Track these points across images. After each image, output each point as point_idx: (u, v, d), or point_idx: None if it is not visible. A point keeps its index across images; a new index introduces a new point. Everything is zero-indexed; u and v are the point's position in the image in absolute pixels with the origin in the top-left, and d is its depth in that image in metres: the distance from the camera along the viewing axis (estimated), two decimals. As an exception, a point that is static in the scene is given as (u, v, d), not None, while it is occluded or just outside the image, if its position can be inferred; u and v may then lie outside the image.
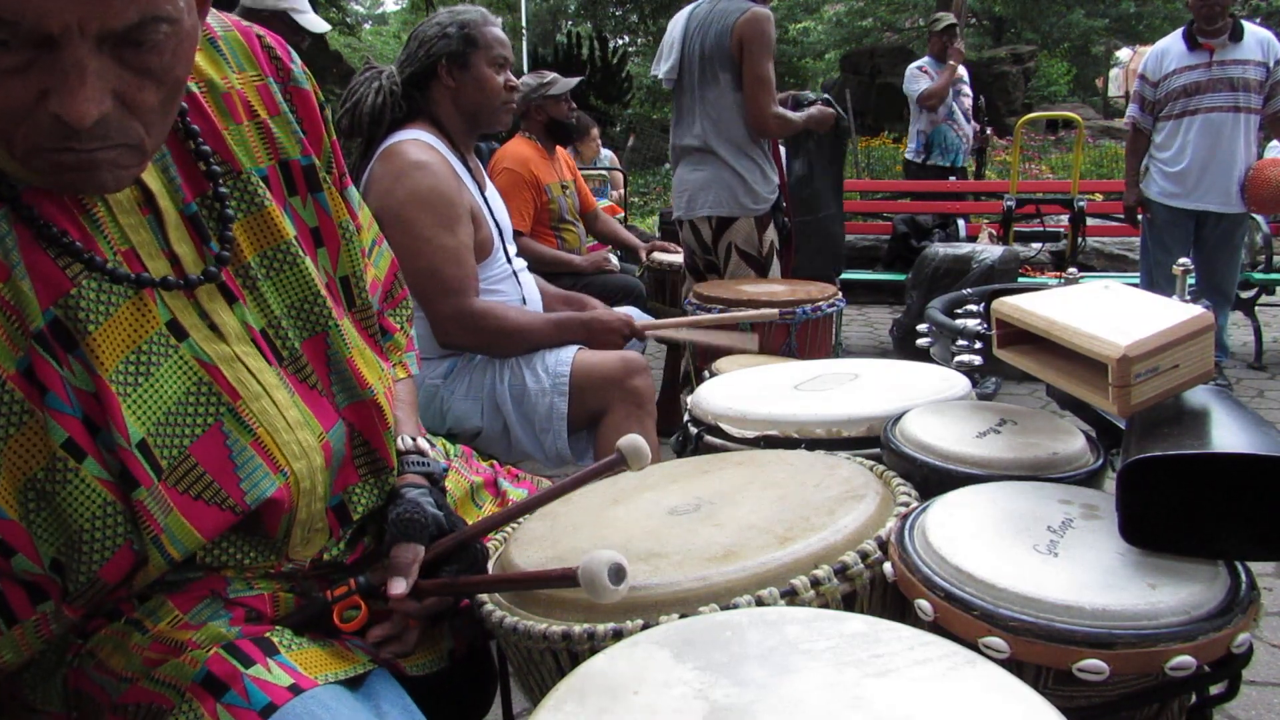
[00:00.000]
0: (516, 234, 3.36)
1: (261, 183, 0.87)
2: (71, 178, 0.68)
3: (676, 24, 3.27)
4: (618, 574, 0.71)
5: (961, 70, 5.98)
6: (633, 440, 0.92)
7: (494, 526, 0.98)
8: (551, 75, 3.77)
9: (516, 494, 1.20)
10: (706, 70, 3.14)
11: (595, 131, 6.11)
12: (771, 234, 3.26)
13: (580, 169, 5.26)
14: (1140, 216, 4.42)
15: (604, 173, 6.29)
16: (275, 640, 0.80)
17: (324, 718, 0.73)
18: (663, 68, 3.30)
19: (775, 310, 2.20)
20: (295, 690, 0.75)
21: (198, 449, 0.79)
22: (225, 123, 0.85)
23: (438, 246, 1.89)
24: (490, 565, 0.98)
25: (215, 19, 0.88)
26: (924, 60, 6.08)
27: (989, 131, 6.29)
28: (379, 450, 0.95)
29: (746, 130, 3.12)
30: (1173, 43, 4.18)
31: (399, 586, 0.86)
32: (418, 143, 1.94)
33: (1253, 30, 4.08)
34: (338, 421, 0.90)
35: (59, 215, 0.74)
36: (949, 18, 6.22)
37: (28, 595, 0.76)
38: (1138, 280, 4.44)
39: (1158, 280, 4.19)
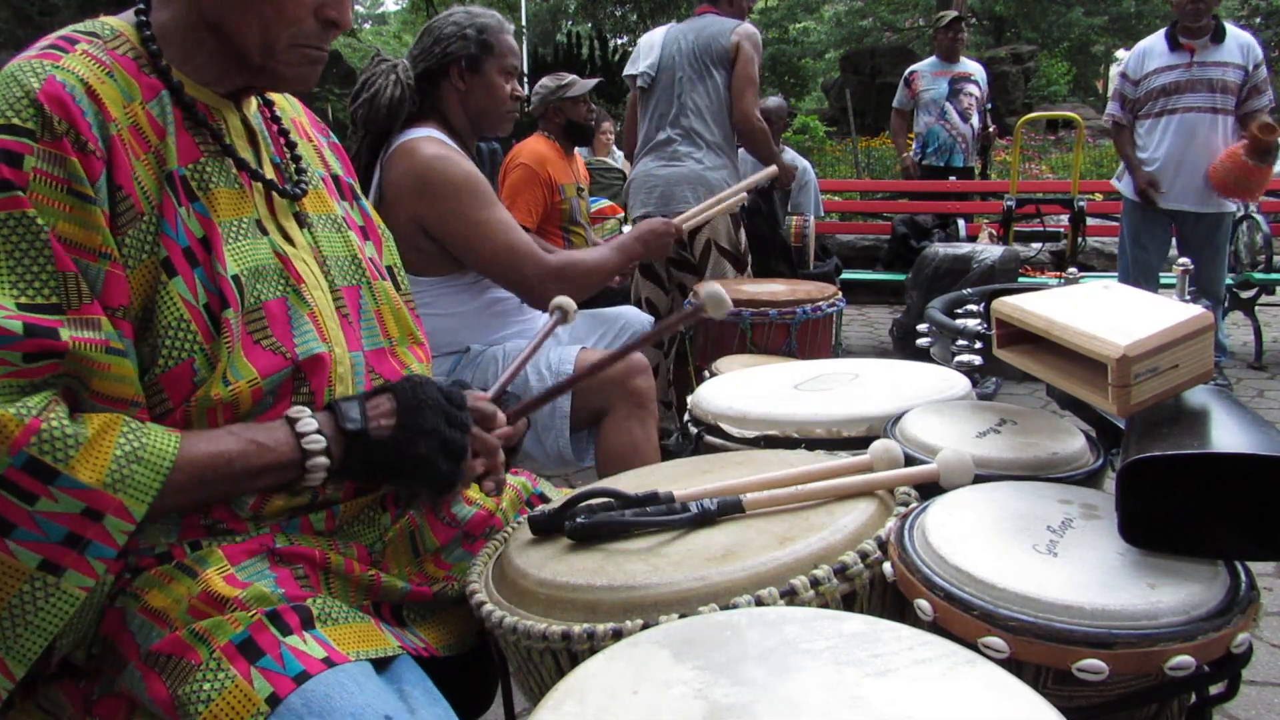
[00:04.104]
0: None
1: (318, 178, 1.09)
2: (310, 70, 0.96)
3: (655, 33, 3.34)
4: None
5: (972, 67, 5.96)
6: (712, 288, 1.04)
7: (537, 404, 1.14)
8: (570, 77, 3.75)
9: (516, 481, 1.19)
10: (697, 66, 3.16)
11: (607, 125, 5.96)
12: (744, 234, 3.25)
13: (591, 166, 5.18)
14: (1120, 213, 4.42)
15: (618, 169, 6.18)
16: (314, 611, 0.85)
17: (353, 690, 0.77)
18: (640, 65, 3.31)
19: (774, 168, 2.34)
20: (328, 663, 0.79)
21: (268, 306, 0.95)
22: (293, 133, 1.08)
23: (496, 221, 1.92)
24: (489, 566, 0.98)
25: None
26: (921, 64, 6.07)
27: (992, 130, 6.25)
28: None
29: (726, 131, 3.18)
30: (1155, 42, 4.18)
31: (497, 412, 1.03)
32: (431, 139, 1.95)
33: (1235, 33, 4.07)
34: (359, 349, 1.04)
35: (204, 110, 0.95)
36: (953, 14, 6.21)
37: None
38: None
39: (1135, 278, 4.19)
